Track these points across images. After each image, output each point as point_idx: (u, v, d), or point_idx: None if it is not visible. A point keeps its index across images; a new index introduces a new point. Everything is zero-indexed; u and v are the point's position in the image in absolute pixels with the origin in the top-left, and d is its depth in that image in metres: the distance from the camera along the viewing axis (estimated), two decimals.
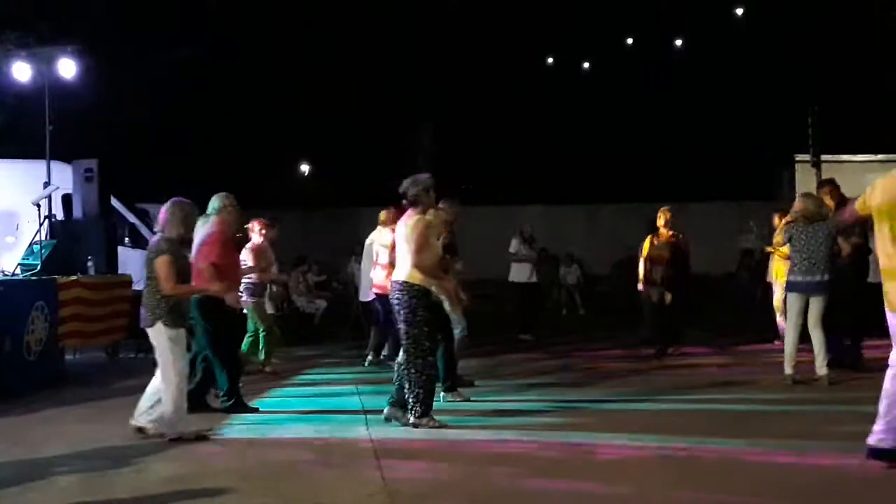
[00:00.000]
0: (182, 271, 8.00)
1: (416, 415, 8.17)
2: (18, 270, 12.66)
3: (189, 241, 8.71)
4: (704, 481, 6.34)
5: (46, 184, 13.93)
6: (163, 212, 8.07)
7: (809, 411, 8.89)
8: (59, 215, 14.73)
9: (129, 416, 8.50)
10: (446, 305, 9.12)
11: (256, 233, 12.01)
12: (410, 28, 24.51)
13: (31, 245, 13.25)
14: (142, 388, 10.72)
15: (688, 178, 25.92)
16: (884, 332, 6.75)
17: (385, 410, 8.53)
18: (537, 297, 16.60)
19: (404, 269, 8.25)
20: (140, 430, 7.98)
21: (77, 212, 14.07)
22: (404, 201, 8.42)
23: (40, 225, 13.16)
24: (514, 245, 15.67)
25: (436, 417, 8.26)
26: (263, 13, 24.39)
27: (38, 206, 13.19)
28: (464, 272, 10.30)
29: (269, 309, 12.66)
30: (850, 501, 6.03)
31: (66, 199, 14.86)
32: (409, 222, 8.31)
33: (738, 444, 7.36)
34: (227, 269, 9.05)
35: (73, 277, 12.06)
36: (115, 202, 15.28)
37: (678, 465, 6.82)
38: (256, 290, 11.89)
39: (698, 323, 15.43)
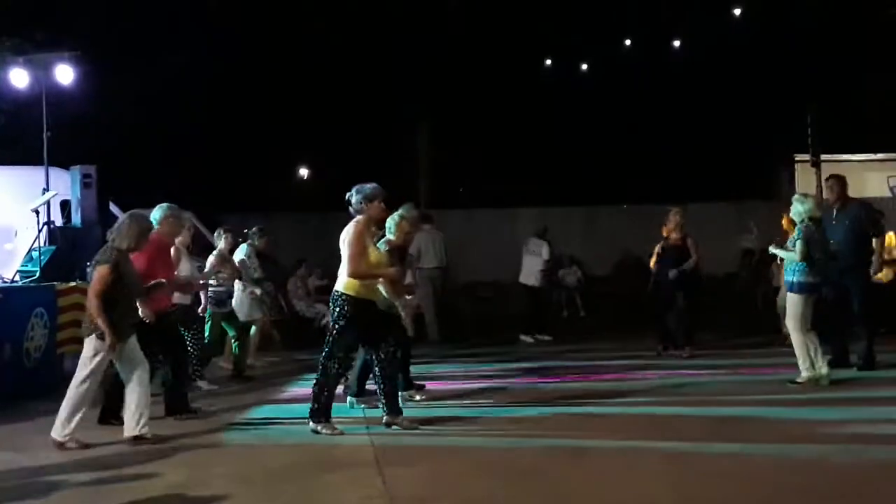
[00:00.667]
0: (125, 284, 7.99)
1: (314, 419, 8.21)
2: (17, 277, 12.66)
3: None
4: (709, 484, 6.33)
5: (45, 190, 13.93)
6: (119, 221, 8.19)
7: (816, 412, 8.85)
8: (58, 221, 14.72)
9: None
10: (401, 310, 9.20)
11: (222, 240, 12.06)
12: (407, 30, 24.50)
13: (29, 252, 13.25)
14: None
15: (687, 179, 25.88)
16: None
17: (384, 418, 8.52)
18: (544, 299, 16.64)
19: (341, 279, 8.28)
20: (137, 438, 7.96)
21: (76, 218, 14.07)
22: (351, 209, 8.46)
23: (39, 231, 13.16)
24: (546, 251, 15.78)
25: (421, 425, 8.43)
26: (261, 17, 24.38)
27: (37, 212, 13.20)
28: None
29: (258, 313, 12.61)
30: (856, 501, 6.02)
31: (65, 206, 14.87)
32: (347, 229, 8.33)
33: (743, 446, 7.35)
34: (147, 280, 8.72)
35: (72, 284, 12.03)
36: (113, 208, 15.25)
37: (681, 468, 6.80)
38: (219, 298, 11.96)
39: (704, 324, 15.41)
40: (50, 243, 13.48)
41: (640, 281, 14.42)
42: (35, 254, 12.81)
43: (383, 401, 8.42)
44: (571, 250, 21.46)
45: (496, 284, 20.45)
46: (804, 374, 10.07)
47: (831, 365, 10.46)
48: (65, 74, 14.64)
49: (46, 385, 10.78)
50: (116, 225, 8.15)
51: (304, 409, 9.64)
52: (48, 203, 13.77)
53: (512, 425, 8.54)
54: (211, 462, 7.29)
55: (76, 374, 7.98)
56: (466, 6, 24.45)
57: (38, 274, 12.28)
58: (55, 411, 9.34)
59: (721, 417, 8.74)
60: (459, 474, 6.77)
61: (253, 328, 12.51)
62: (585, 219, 23.99)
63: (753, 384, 10.56)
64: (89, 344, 7.91)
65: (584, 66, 26.02)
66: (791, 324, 10.14)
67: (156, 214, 9.24)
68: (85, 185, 13.84)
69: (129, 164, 19.35)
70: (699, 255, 13.19)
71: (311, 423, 8.20)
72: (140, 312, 8.48)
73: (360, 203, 8.39)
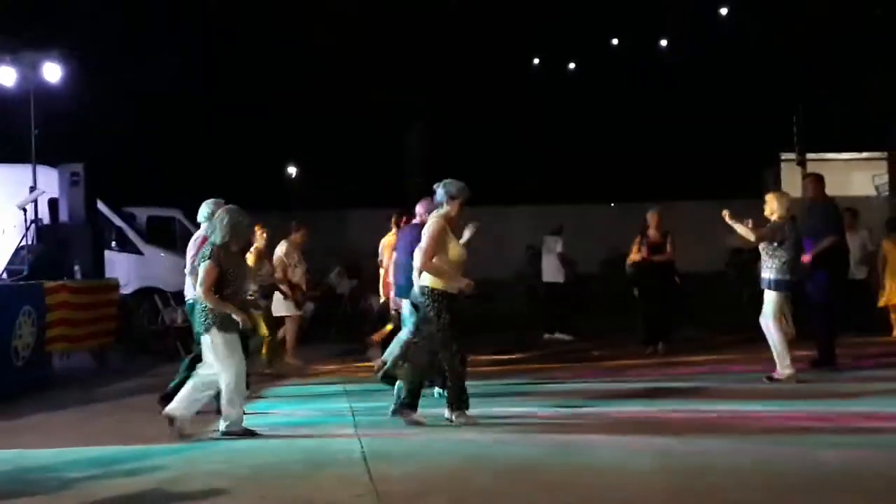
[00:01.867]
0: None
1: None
2: (5, 275, 12.64)
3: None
4: (699, 479, 6.37)
5: (32, 188, 13.91)
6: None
7: (802, 409, 8.91)
8: (46, 220, 14.70)
9: (118, 419, 8.54)
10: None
11: (258, 237, 12.12)
12: (399, 30, 24.51)
13: (17, 250, 13.23)
14: (130, 392, 10.86)
15: (674, 178, 25.97)
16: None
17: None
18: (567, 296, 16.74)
19: (425, 275, 8.39)
20: (170, 420, 8.02)
21: (63, 216, 14.05)
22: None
23: (27, 229, 13.14)
24: (560, 246, 15.99)
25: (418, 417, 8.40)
26: (250, 16, 24.36)
27: (25, 210, 13.18)
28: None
29: (292, 310, 12.74)
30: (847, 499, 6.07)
31: (53, 204, 14.84)
32: (428, 222, 8.50)
33: (730, 442, 7.41)
34: None
35: (60, 282, 12.05)
36: (101, 206, 15.25)
37: (672, 464, 6.83)
38: (265, 293, 11.99)
39: (689, 322, 15.48)
40: (38, 241, 13.45)
41: (629, 279, 14.48)
42: (23, 252, 12.79)
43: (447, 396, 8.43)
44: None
45: (487, 282, 20.45)
46: (782, 370, 10.12)
47: (816, 363, 10.56)
48: (53, 73, 14.62)
49: (35, 383, 10.81)
50: (212, 220, 8.26)
51: (295, 407, 9.72)
52: (36, 201, 13.74)
53: (501, 422, 8.54)
54: (200, 460, 7.28)
55: (222, 377, 7.99)
56: (457, 6, 24.46)
57: (25, 272, 12.25)
58: (44, 409, 9.36)
59: (707, 412, 8.78)
60: (449, 471, 6.78)
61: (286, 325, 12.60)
62: (575, 217, 24.01)
63: (735, 381, 10.61)
64: (213, 338, 7.96)
65: (573, 66, 26.08)
66: (768, 321, 10.17)
67: (205, 210, 9.20)
68: (72, 184, 13.82)
69: (118, 162, 19.33)
70: (672, 252, 13.31)
71: (452, 416, 8.27)
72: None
73: (443, 198, 8.47)
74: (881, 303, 14.02)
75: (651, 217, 13.50)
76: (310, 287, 14.32)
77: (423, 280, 8.40)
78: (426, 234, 8.39)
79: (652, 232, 13.41)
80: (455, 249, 8.41)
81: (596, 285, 21.54)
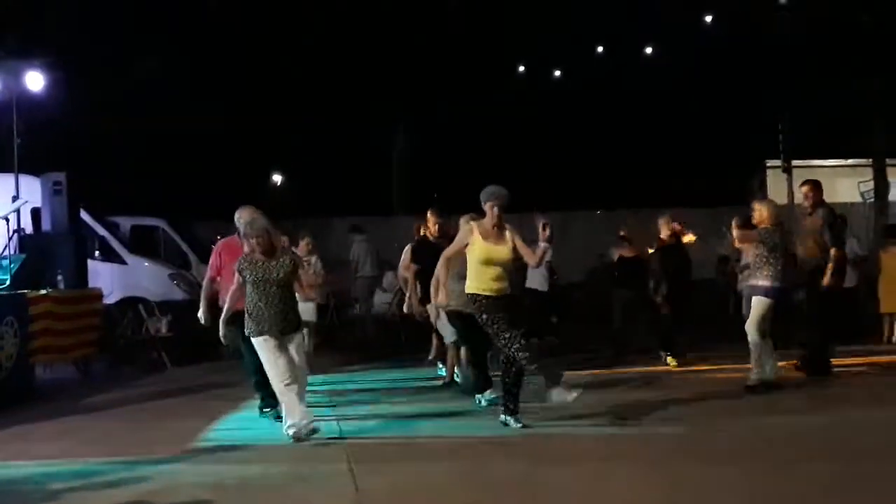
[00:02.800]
0: None
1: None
2: None
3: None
4: (690, 489, 6.33)
5: (15, 198, 13.79)
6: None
7: (780, 414, 8.90)
8: (29, 229, 14.59)
9: (102, 430, 8.47)
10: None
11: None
12: (383, 36, 24.50)
13: None
14: (115, 403, 10.77)
15: (661, 185, 26.01)
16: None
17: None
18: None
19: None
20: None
21: (46, 225, 13.93)
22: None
23: (9, 239, 13.04)
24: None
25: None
26: (233, 23, 24.31)
27: (7, 220, 13.07)
28: None
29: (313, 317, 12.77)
30: None
31: (35, 213, 14.72)
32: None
33: (719, 449, 7.37)
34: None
35: (43, 292, 11.94)
36: (84, 215, 15.15)
37: (663, 473, 6.80)
38: None
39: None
40: (20, 251, 13.34)
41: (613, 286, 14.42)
42: (5, 262, 12.67)
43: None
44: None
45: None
46: (753, 376, 10.11)
47: (807, 368, 10.67)
48: (35, 81, 14.53)
49: (18, 394, 10.69)
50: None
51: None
52: (18, 211, 13.64)
53: (482, 424, 8.51)
54: (183, 470, 7.22)
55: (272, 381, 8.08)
56: (441, 13, 24.47)
57: (7, 282, 12.13)
58: (28, 420, 9.28)
59: (694, 418, 8.74)
60: (434, 481, 6.73)
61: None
62: (560, 224, 23.98)
63: (716, 387, 10.61)
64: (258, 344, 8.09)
65: (558, 73, 26.12)
66: (750, 325, 10.16)
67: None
68: (55, 193, 13.70)
69: (101, 171, 19.23)
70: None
71: (509, 420, 8.33)
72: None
73: (483, 202, 8.58)
74: (883, 309, 14.05)
75: (664, 223, 13.16)
76: None
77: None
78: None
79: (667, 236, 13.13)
80: (483, 250, 8.42)
81: (579, 292, 21.51)
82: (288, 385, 7.99)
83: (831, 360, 11.13)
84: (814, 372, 10.89)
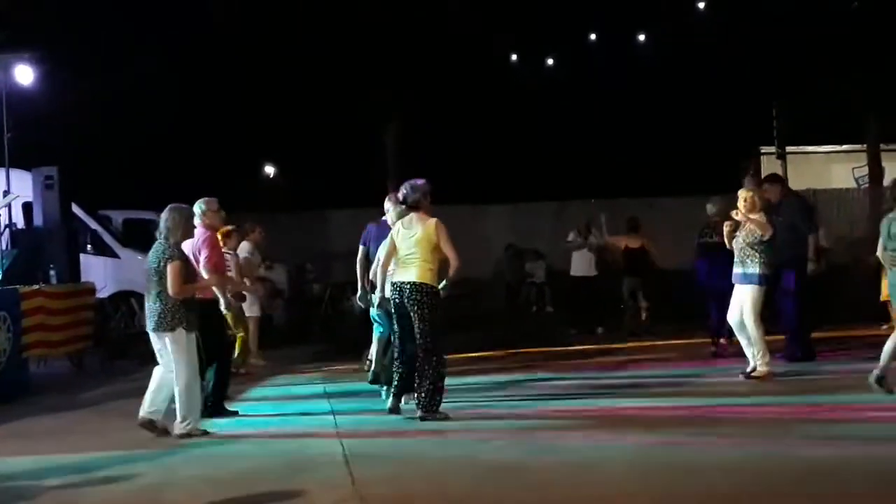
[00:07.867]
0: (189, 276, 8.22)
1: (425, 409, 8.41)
2: None
3: None
4: (681, 477, 6.32)
5: (6, 192, 13.72)
6: (164, 219, 8.19)
7: (779, 401, 8.89)
8: (20, 224, 14.51)
9: (97, 425, 8.42)
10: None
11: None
12: (374, 28, 24.40)
13: None
14: (109, 397, 10.73)
15: (655, 173, 25.99)
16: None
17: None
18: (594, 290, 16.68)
19: (424, 273, 8.49)
20: (150, 423, 8.05)
21: (38, 220, 13.85)
22: (404, 206, 8.88)
23: (0, 234, 12.97)
24: (571, 235, 16.47)
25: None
26: (225, 16, 24.20)
27: None
28: None
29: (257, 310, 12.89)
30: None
31: (27, 208, 14.65)
32: (435, 226, 8.60)
33: (713, 438, 7.37)
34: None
35: (36, 287, 11.90)
36: (76, 209, 15.09)
37: (655, 461, 6.79)
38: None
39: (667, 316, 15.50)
40: (12, 246, 13.28)
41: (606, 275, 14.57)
42: None
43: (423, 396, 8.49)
44: (539, 244, 21.41)
45: (467, 282, 20.38)
46: (761, 367, 10.09)
47: (794, 357, 10.88)
48: (25, 75, 14.43)
49: (11, 390, 10.65)
50: (163, 222, 8.18)
51: (275, 409, 9.62)
52: (10, 205, 13.57)
53: (482, 422, 8.49)
54: (180, 465, 7.19)
55: (177, 374, 7.99)
56: (433, 4, 24.39)
57: (0, 277, 12.08)
58: (22, 416, 9.25)
59: (689, 409, 8.74)
60: (432, 472, 6.71)
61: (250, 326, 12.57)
62: (555, 213, 23.97)
63: (711, 377, 10.63)
64: (177, 336, 7.99)
65: (551, 61, 26.05)
66: (748, 316, 10.10)
67: (200, 208, 9.20)
68: (46, 187, 13.62)
69: (92, 165, 19.15)
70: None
71: (425, 416, 8.37)
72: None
73: (417, 199, 8.82)
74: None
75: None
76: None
77: (424, 277, 8.54)
78: (442, 236, 8.65)
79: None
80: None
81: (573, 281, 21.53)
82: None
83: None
84: (798, 359, 10.98)
